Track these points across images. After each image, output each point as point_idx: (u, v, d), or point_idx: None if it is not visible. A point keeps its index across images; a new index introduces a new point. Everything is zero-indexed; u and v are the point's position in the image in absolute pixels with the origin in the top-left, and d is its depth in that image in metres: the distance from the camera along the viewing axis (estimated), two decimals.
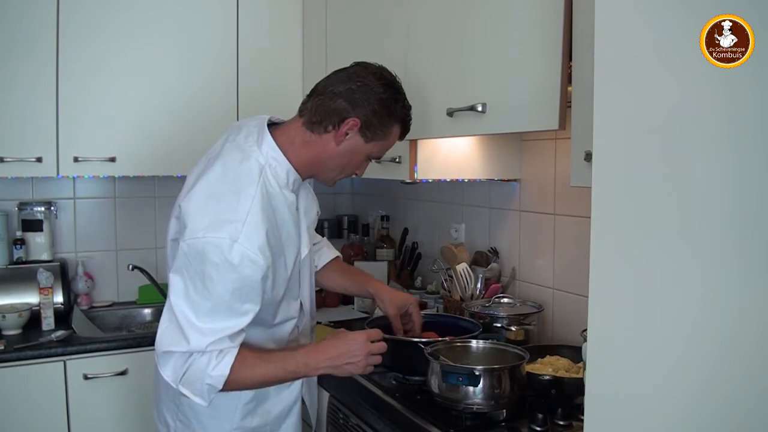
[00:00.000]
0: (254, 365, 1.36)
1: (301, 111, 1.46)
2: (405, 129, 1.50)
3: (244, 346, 1.37)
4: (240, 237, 1.29)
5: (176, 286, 1.33)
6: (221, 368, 1.31)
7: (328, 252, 1.86)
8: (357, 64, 1.48)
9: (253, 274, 1.32)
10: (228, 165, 1.40)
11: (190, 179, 1.47)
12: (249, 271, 1.31)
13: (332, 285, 1.88)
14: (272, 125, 1.48)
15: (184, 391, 1.33)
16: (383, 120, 1.42)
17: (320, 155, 1.44)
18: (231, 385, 1.34)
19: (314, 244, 1.74)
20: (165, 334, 1.33)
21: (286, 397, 1.59)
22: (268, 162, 1.41)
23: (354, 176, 1.57)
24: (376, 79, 1.42)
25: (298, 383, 1.60)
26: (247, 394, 1.52)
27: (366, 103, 1.40)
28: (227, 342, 1.33)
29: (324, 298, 2.58)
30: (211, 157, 1.46)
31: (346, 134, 1.42)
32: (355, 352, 1.41)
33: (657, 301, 0.80)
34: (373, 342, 1.44)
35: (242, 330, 1.36)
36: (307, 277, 1.61)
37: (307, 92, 1.48)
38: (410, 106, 1.49)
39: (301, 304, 1.59)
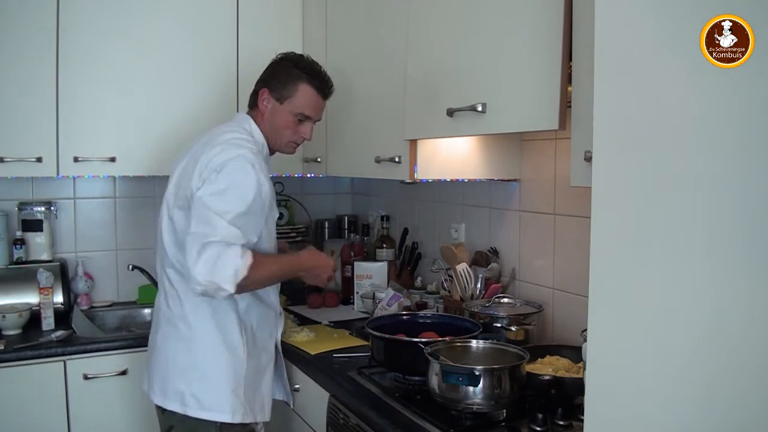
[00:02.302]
0: (265, 262, 1.67)
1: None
2: (319, 86, 1.83)
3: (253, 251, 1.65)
4: (257, 165, 1.65)
5: (215, 194, 1.62)
6: (246, 258, 1.58)
7: None
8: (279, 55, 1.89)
9: (263, 193, 1.66)
10: (226, 133, 1.75)
11: (176, 169, 1.79)
12: (265, 190, 1.66)
13: None
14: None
15: (215, 280, 1.55)
16: (284, 81, 1.81)
17: (263, 128, 1.83)
18: (249, 278, 1.58)
19: None
20: (197, 234, 1.58)
21: (271, 342, 1.88)
22: (250, 132, 1.81)
23: (304, 140, 1.89)
24: (280, 59, 1.85)
25: (277, 332, 1.90)
26: (252, 329, 1.78)
27: (268, 75, 1.85)
28: (245, 241, 1.62)
29: (324, 297, 2.58)
30: (198, 145, 1.76)
31: (265, 104, 1.82)
32: (326, 270, 1.82)
33: (657, 301, 0.80)
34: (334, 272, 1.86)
35: (252, 242, 1.66)
36: (275, 241, 1.88)
37: None
38: (320, 71, 1.84)
39: None
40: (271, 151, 1.88)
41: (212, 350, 1.72)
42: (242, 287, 1.59)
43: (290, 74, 1.80)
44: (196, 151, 1.72)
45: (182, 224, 1.69)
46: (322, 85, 1.83)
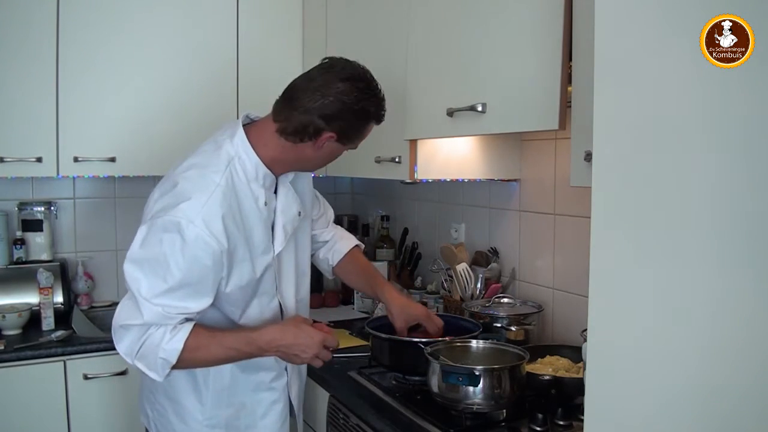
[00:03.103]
0: (208, 344, 1.40)
1: (275, 117, 1.48)
2: (379, 121, 1.52)
3: (199, 325, 1.41)
4: (196, 219, 1.35)
5: (135, 264, 1.38)
6: (175, 342, 1.35)
7: (342, 245, 1.85)
8: (324, 68, 1.47)
9: (205, 257, 1.36)
10: (200, 155, 1.47)
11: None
12: (201, 252, 1.36)
13: (349, 283, 1.96)
14: (249, 123, 1.54)
15: (140, 365, 1.38)
16: (357, 126, 1.47)
17: (299, 159, 1.50)
18: (185, 361, 1.38)
19: (325, 242, 1.85)
20: (122, 310, 1.39)
21: (266, 397, 1.61)
22: (237, 154, 1.46)
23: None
24: (346, 86, 1.42)
25: (280, 387, 1.63)
26: (222, 381, 1.55)
27: (339, 117, 1.43)
28: (182, 319, 1.38)
29: (324, 297, 2.58)
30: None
31: (323, 145, 1.46)
32: (306, 350, 1.45)
33: (657, 301, 0.80)
34: (325, 347, 1.47)
35: (197, 313, 1.41)
36: (291, 276, 1.63)
37: None
38: (383, 98, 1.49)
39: (280, 304, 1.59)
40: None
41: (172, 386, 1.55)
42: (179, 368, 1.40)
43: (365, 116, 1.46)
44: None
45: None
46: (381, 119, 1.53)
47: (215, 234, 1.36)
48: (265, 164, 1.48)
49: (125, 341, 1.38)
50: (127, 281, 1.38)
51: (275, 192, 1.54)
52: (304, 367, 1.77)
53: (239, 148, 1.46)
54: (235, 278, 1.45)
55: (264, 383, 1.61)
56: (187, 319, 1.40)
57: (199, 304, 1.40)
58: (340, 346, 2.01)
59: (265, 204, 1.49)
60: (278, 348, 1.45)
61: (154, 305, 1.35)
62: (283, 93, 1.49)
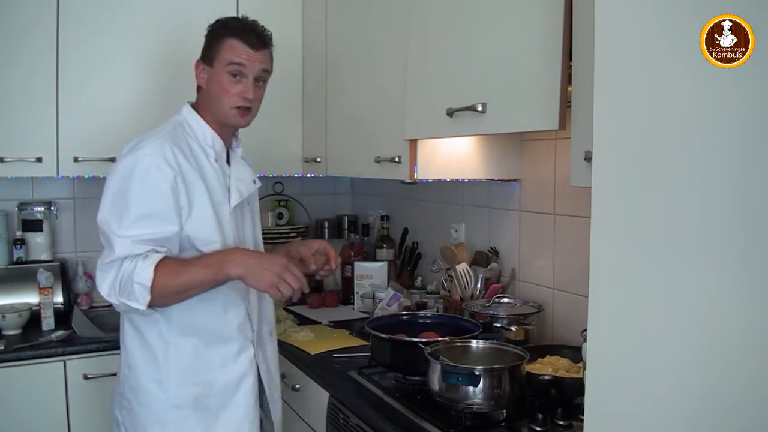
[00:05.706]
0: (176, 265, 1.48)
1: None
2: (246, 38, 1.62)
3: (168, 256, 1.50)
4: (148, 151, 1.51)
5: (105, 209, 1.53)
6: (147, 266, 1.44)
7: None
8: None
9: (163, 183, 1.49)
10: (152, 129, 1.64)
11: None
12: (158, 179, 1.49)
13: None
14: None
15: (123, 300, 1.45)
16: (210, 44, 1.66)
17: (208, 103, 1.65)
18: (160, 285, 1.44)
19: None
20: (100, 256, 1.52)
21: (233, 371, 1.61)
22: (185, 119, 1.64)
23: (247, 102, 1.63)
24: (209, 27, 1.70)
25: (247, 360, 1.63)
26: (183, 357, 1.56)
27: (204, 44, 1.68)
28: (150, 247, 1.48)
29: (324, 297, 2.58)
30: None
31: (202, 76, 1.66)
32: (272, 265, 1.47)
33: (657, 301, 0.80)
34: (291, 271, 1.48)
35: (165, 240, 1.50)
36: (250, 239, 1.73)
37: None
38: (244, 24, 1.66)
39: None
40: (228, 135, 1.68)
41: (135, 377, 1.58)
42: (156, 300, 1.44)
43: (215, 35, 1.66)
44: None
45: None
46: (249, 35, 1.62)
47: (167, 160, 1.50)
48: (213, 130, 1.64)
49: (105, 282, 1.47)
50: (101, 228, 1.52)
51: (228, 162, 1.68)
52: (273, 346, 1.76)
53: (186, 115, 1.65)
54: (196, 214, 1.53)
55: (230, 356, 1.61)
56: (154, 241, 1.49)
57: (164, 230, 1.49)
58: (340, 346, 2.02)
59: (216, 160, 1.62)
60: (244, 261, 1.48)
61: (123, 238, 1.46)
62: None
